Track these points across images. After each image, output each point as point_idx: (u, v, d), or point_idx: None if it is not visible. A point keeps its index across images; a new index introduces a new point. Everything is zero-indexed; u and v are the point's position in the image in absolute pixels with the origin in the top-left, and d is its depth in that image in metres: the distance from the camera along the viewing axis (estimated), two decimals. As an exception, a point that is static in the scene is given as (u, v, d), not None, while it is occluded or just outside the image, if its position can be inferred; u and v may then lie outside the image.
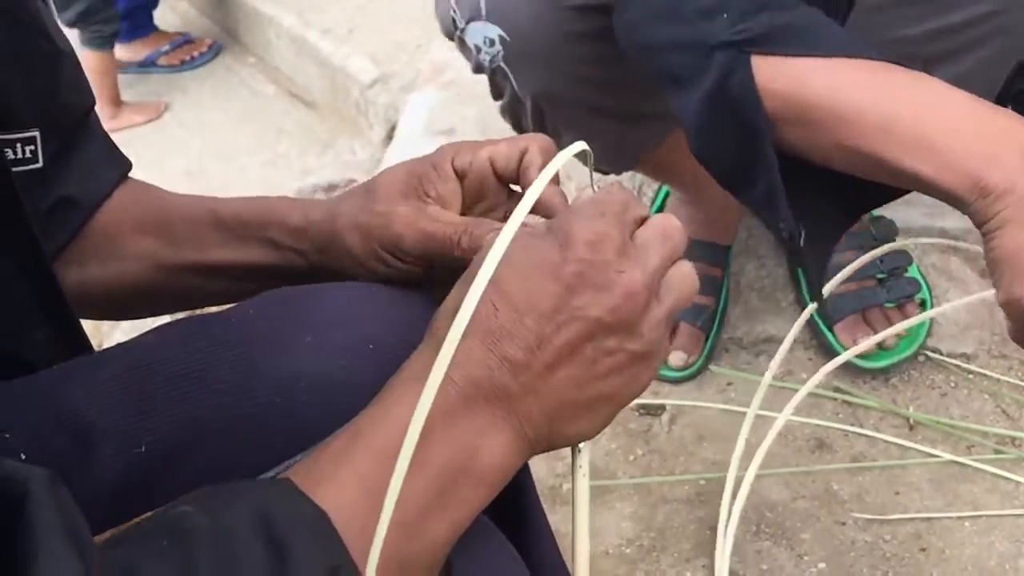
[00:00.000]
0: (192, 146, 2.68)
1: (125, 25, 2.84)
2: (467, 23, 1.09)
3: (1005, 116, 0.69)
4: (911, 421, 1.31)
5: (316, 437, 0.51)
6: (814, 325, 1.37)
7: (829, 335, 1.35)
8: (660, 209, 1.40)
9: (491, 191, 0.66)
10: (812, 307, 1.12)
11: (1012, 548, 1.16)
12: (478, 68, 1.16)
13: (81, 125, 0.72)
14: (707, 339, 1.38)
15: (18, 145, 0.65)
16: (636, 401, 1.35)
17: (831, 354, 1.32)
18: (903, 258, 1.38)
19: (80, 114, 0.72)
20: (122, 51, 2.89)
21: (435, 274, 0.65)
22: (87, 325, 1.66)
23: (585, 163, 0.63)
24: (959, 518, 1.20)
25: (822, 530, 1.20)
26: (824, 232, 0.83)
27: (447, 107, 1.85)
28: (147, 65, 2.98)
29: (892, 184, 0.75)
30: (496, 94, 1.20)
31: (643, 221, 0.53)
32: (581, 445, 0.54)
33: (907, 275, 1.37)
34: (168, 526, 0.42)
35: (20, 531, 0.36)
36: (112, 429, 0.54)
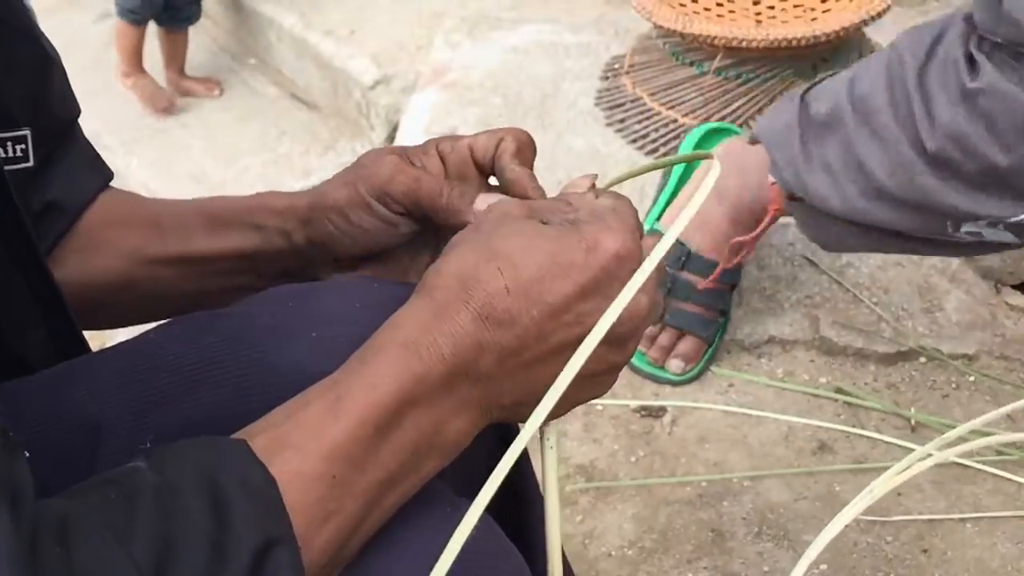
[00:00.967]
0: (194, 147, 2.68)
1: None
2: None
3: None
4: (913, 422, 1.31)
5: None
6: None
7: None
8: (661, 213, 1.40)
9: (471, 178, 0.67)
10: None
11: (1015, 550, 1.16)
12: None
13: (67, 133, 0.73)
14: (708, 348, 1.38)
15: (9, 144, 0.66)
16: (637, 402, 1.35)
17: (829, 354, 1.32)
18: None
19: (67, 122, 0.73)
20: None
21: (418, 238, 0.66)
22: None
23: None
24: (961, 519, 1.20)
25: (824, 532, 1.19)
26: None
27: (449, 108, 1.86)
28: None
29: None
30: None
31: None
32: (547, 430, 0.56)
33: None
34: (119, 480, 0.43)
35: None
36: (117, 426, 0.54)
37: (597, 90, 1.82)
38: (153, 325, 0.61)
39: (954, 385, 1.36)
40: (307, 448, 0.45)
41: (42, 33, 0.71)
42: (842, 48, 1.64)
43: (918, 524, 1.19)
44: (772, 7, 1.74)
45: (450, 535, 0.50)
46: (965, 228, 1.05)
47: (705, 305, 1.35)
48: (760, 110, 1.62)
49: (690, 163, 1.40)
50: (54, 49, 0.72)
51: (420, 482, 0.50)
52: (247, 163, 2.54)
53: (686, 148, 1.43)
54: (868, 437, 1.30)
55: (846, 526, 1.18)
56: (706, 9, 1.73)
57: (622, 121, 1.72)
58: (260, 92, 2.81)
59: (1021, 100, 0.93)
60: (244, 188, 2.36)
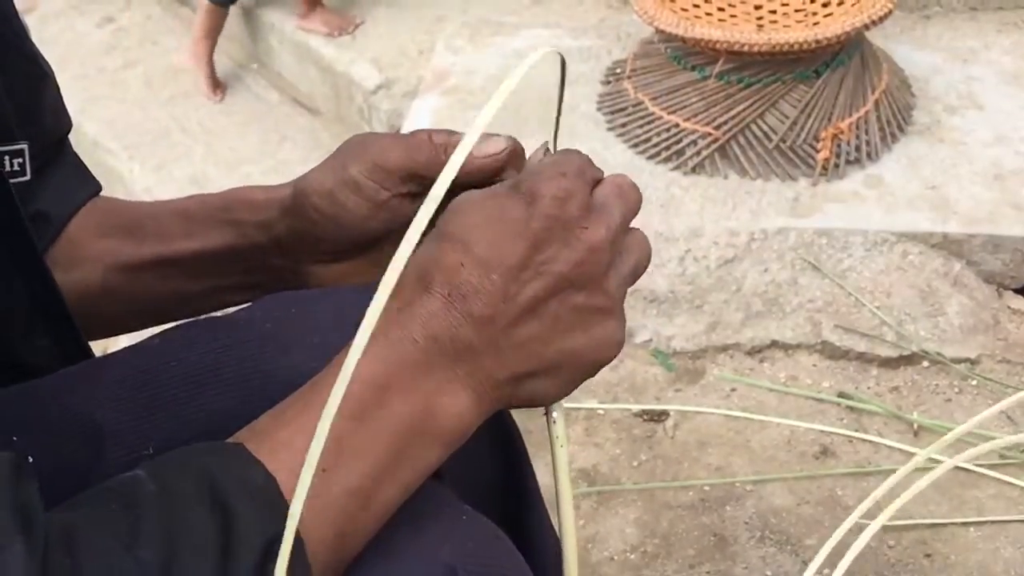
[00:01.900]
0: (196, 152, 2.68)
1: None
2: None
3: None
4: (915, 426, 1.31)
5: None
6: None
7: None
8: None
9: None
10: None
11: (1018, 554, 1.16)
12: None
13: (58, 148, 0.73)
14: None
15: (7, 157, 0.66)
16: (639, 406, 1.35)
17: (832, 358, 1.32)
18: None
19: (59, 136, 0.73)
20: None
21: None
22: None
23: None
24: (964, 524, 1.19)
25: (827, 536, 1.19)
26: None
27: (450, 113, 1.86)
28: None
29: None
30: None
31: (599, 182, 0.54)
32: (555, 415, 0.54)
33: None
34: (121, 490, 0.43)
35: None
36: (120, 431, 0.54)
37: (599, 94, 1.83)
38: (156, 330, 0.61)
39: (957, 389, 1.35)
40: (294, 444, 0.45)
41: (37, 50, 0.71)
42: (844, 52, 1.64)
43: (921, 528, 1.19)
44: (774, 11, 1.74)
45: (453, 538, 0.50)
46: None
47: None
48: (761, 115, 1.62)
49: None
50: (48, 64, 0.72)
51: (421, 472, 0.49)
52: (249, 169, 2.54)
53: None
54: (871, 441, 1.30)
55: (848, 531, 1.18)
56: (708, 14, 1.73)
57: (624, 125, 1.72)
58: (262, 97, 2.81)
59: None
60: (246, 193, 2.36)
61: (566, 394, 0.53)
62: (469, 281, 0.49)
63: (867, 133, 1.63)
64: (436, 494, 0.53)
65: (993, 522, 1.19)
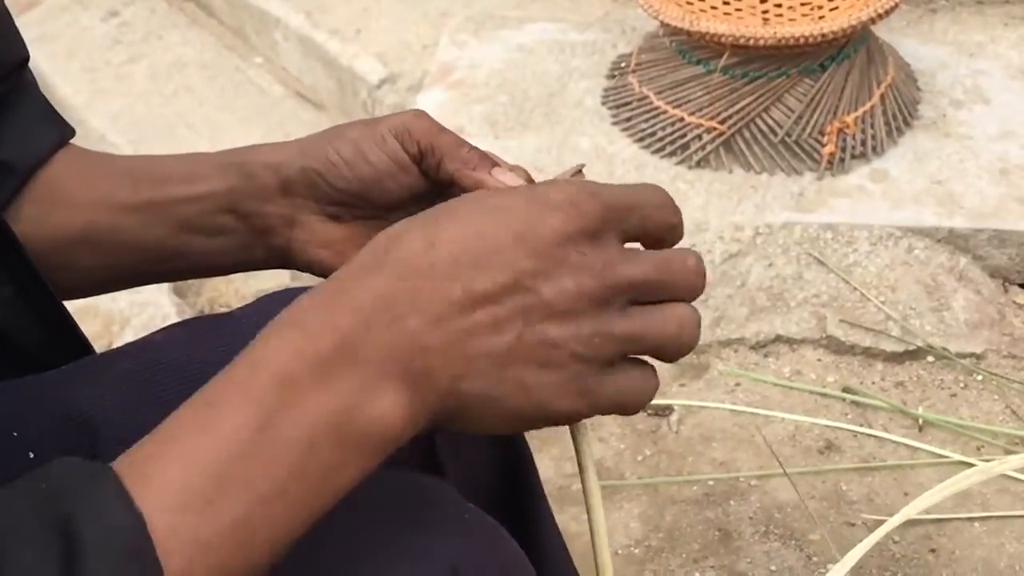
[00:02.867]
0: (201, 146, 2.68)
1: None
2: None
3: None
4: (920, 422, 1.31)
5: None
6: None
7: None
8: None
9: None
10: None
11: (1022, 549, 1.16)
12: None
13: (13, 83, 0.65)
14: None
15: None
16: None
17: (836, 353, 1.32)
18: None
19: (10, 67, 0.65)
20: None
21: (406, 208, 0.60)
22: (95, 326, 1.65)
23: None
24: (969, 519, 1.19)
25: (831, 531, 1.19)
26: None
27: (455, 107, 1.85)
28: None
29: None
30: None
31: (661, 241, 0.46)
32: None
33: None
34: None
35: None
36: (121, 428, 0.54)
37: (603, 89, 1.82)
38: (158, 327, 0.61)
39: (962, 384, 1.35)
40: (170, 475, 0.38)
41: None
42: (849, 46, 1.63)
43: (925, 523, 1.19)
44: (779, 5, 1.74)
45: (455, 537, 0.49)
46: None
47: None
48: (767, 109, 1.62)
49: None
50: None
51: (335, 490, 0.41)
52: (253, 162, 2.54)
53: None
54: (875, 436, 1.29)
55: (853, 525, 1.18)
56: (713, 7, 1.72)
57: (628, 120, 1.72)
58: (266, 91, 2.81)
59: None
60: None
61: (505, 431, 0.45)
62: (435, 264, 0.41)
63: (872, 127, 1.63)
64: (438, 492, 0.53)
65: (998, 517, 1.19)
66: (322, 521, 0.44)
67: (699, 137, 1.64)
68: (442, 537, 0.49)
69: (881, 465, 1.26)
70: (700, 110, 1.64)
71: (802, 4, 1.74)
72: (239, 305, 0.65)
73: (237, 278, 1.81)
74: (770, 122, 1.62)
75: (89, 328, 1.28)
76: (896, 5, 1.56)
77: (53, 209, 0.65)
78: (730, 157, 1.63)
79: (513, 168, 0.58)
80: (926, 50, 1.85)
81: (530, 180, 0.58)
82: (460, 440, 0.63)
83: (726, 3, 1.74)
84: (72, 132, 0.69)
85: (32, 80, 0.68)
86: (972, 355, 1.38)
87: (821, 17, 1.68)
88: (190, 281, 1.82)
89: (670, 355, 0.45)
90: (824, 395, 1.34)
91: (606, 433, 1.33)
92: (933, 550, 1.16)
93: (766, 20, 1.71)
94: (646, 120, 1.70)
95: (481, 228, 0.42)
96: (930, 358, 1.38)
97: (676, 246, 0.47)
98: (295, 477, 0.39)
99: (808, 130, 1.61)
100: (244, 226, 0.63)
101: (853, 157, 1.61)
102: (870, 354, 1.40)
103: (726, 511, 1.22)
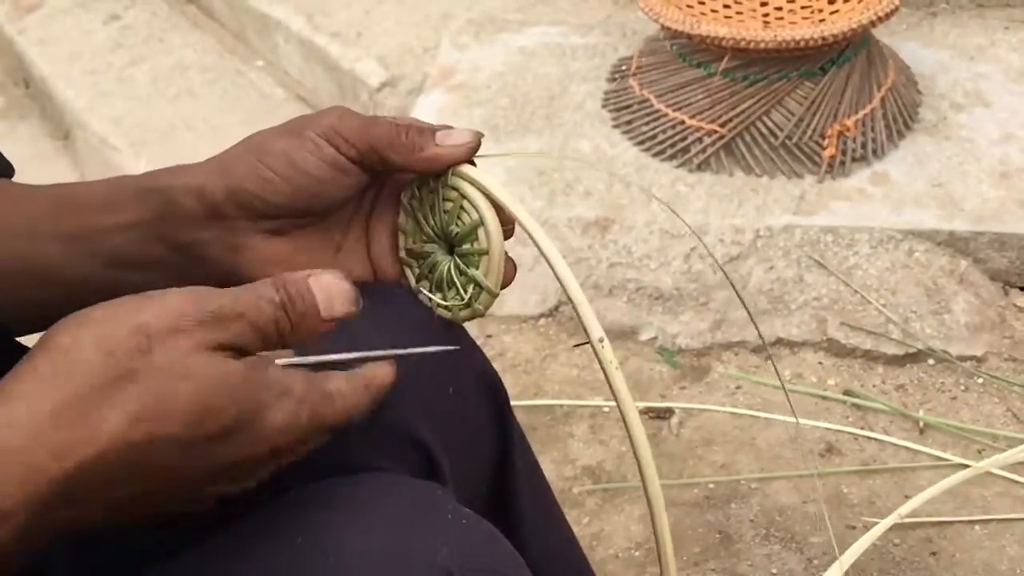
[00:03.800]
0: (202, 150, 2.68)
1: None
2: None
3: None
4: (921, 424, 1.31)
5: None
6: None
7: None
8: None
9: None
10: None
11: (1023, 552, 1.16)
12: None
13: None
14: None
15: None
16: (644, 404, 1.35)
17: (837, 356, 1.32)
18: None
19: None
20: None
21: (351, 208, 0.60)
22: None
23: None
24: (970, 522, 1.19)
25: (832, 534, 1.19)
26: None
27: (456, 110, 1.86)
28: None
29: None
30: None
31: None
32: (604, 342, 0.52)
33: None
34: None
35: None
36: None
37: (604, 92, 1.82)
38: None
39: (963, 387, 1.35)
40: None
41: None
42: (850, 49, 1.63)
43: (926, 526, 1.19)
44: (780, 8, 1.74)
45: (450, 541, 0.49)
46: None
47: None
48: (767, 112, 1.62)
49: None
50: None
51: None
52: (254, 165, 2.54)
53: None
54: (876, 439, 1.29)
55: (854, 528, 1.18)
56: (713, 11, 1.72)
57: (629, 123, 1.72)
58: (267, 94, 2.82)
59: None
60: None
61: (113, 523, 0.46)
62: (75, 368, 0.42)
63: (873, 130, 1.63)
64: (433, 496, 0.53)
65: (999, 520, 1.19)
66: (318, 525, 0.44)
67: (700, 140, 1.64)
68: (438, 542, 0.49)
69: (882, 468, 1.26)
70: (701, 113, 1.64)
71: (802, 7, 1.74)
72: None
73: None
74: (771, 125, 1.62)
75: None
76: (896, 8, 1.57)
77: None
78: (731, 160, 1.64)
79: (452, 129, 0.57)
80: (927, 53, 1.85)
81: (479, 138, 0.58)
82: (457, 444, 0.63)
83: (727, 6, 1.74)
84: (10, 170, 0.66)
85: None
86: (973, 358, 1.38)
87: (822, 20, 1.68)
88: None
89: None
90: (825, 398, 1.35)
91: (606, 436, 1.33)
92: (934, 553, 1.16)
93: (767, 23, 1.72)
94: (647, 123, 1.70)
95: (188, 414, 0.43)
96: (931, 361, 1.38)
97: None
98: None
99: (809, 133, 1.61)
100: (177, 256, 0.59)
101: (854, 160, 1.61)
102: (871, 357, 1.40)
103: (727, 514, 1.22)
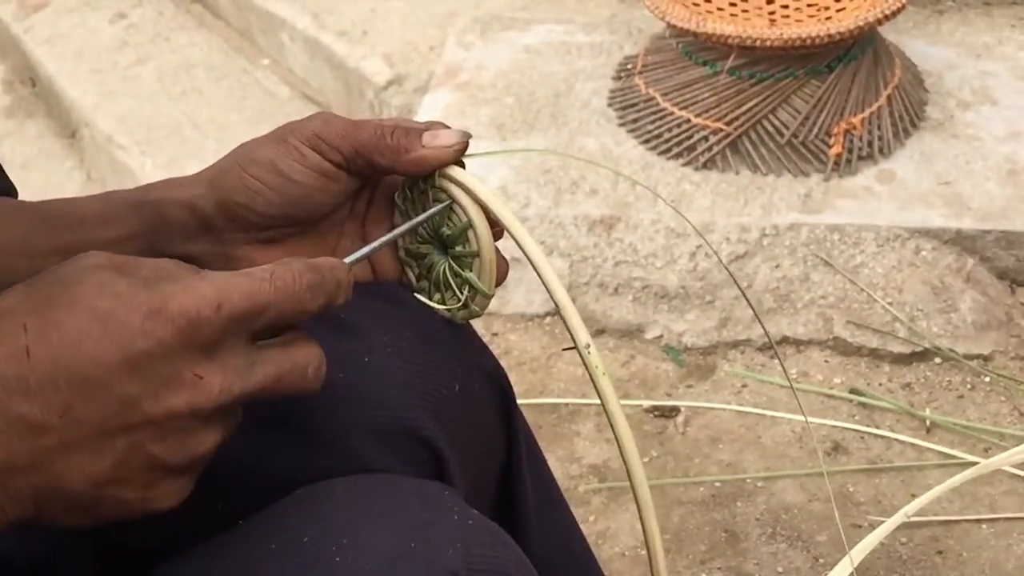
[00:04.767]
0: (208, 148, 2.69)
1: None
2: None
3: None
4: (928, 423, 1.31)
5: (317, 433, 0.50)
6: None
7: None
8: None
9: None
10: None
11: (1030, 551, 1.16)
12: None
13: None
14: None
15: None
16: (650, 402, 1.35)
17: (844, 354, 1.32)
18: None
19: None
20: None
21: (345, 212, 0.59)
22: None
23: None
24: (977, 521, 1.19)
25: (838, 532, 1.19)
26: None
27: (461, 108, 1.86)
28: None
29: None
30: None
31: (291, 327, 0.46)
32: (590, 348, 0.53)
33: None
34: None
35: None
36: None
37: (610, 90, 1.82)
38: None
39: (969, 386, 1.35)
40: None
41: None
42: (856, 47, 1.63)
43: (933, 525, 1.19)
44: (786, 6, 1.74)
45: (458, 543, 0.49)
46: None
47: None
48: (773, 110, 1.62)
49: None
50: None
51: None
52: (260, 163, 2.54)
53: None
54: (883, 437, 1.29)
55: (860, 527, 1.18)
56: (719, 8, 1.72)
57: (635, 121, 1.72)
58: (273, 93, 2.82)
59: None
60: (257, 188, 2.37)
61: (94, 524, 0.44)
62: (26, 381, 0.39)
63: (880, 128, 1.63)
64: (441, 497, 0.53)
65: (1006, 519, 1.19)
66: (325, 525, 0.43)
67: (706, 138, 1.64)
68: (445, 544, 0.49)
69: (888, 466, 1.26)
70: (707, 111, 1.64)
71: (809, 5, 1.74)
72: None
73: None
74: (777, 123, 1.62)
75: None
76: (903, 6, 1.56)
77: None
78: (737, 158, 1.63)
79: (438, 126, 0.56)
80: (933, 51, 1.85)
81: (467, 138, 0.57)
82: (464, 443, 0.63)
83: (733, 4, 1.74)
84: (13, 191, 0.65)
85: None
86: (979, 356, 1.38)
87: (828, 18, 1.68)
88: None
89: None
90: (831, 396, 1.34)
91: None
92: (940, 552, 1.16)
93: (773, 21, 1.71)
94: (652, 121, 1.70)
95: (84, 340, 0.40)
96: (937, 359, 1.38)
97: None
98: None
99: (815, 131, 1.61)
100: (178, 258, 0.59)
101: (860, 158, 1.61)
102: (877, 355, 1.40)
103: (733, 512, 1.22)
